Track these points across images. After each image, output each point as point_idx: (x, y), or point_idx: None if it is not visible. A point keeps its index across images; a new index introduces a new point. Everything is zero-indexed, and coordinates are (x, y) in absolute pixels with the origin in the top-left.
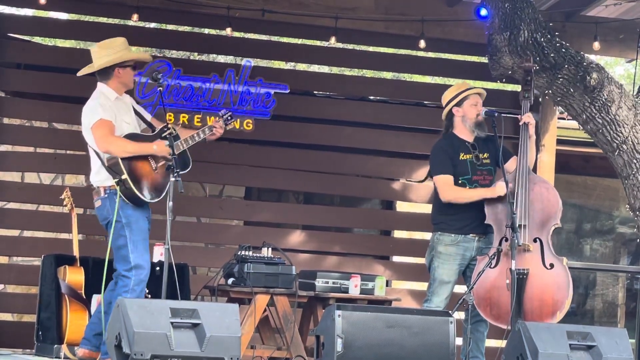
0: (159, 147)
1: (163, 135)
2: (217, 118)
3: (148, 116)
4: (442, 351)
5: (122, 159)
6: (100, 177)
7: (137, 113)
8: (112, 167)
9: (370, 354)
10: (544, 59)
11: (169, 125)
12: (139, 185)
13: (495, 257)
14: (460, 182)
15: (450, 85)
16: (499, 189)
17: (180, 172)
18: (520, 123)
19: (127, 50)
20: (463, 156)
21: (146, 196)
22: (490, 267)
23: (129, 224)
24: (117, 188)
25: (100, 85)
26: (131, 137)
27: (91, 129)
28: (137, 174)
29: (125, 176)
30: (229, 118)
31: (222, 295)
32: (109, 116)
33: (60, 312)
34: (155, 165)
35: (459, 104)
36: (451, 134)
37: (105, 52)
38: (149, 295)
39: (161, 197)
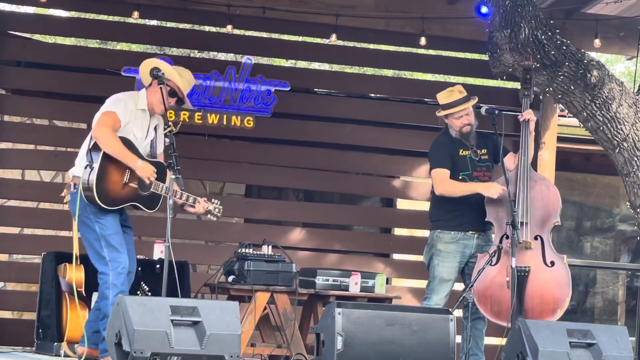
0: (143, 167)
1: (163, 133)
2: (208, 201)
3: (160, 147)
4: (442, 349)
5: (104, 153)
6: (79, 164)
7: (154, 138)
8: (92, 151)
9: (371, 351)
10: (545, 56)
11: (170, 124)
12: (100, 185)
13: (496, 255)
14: (460, 178)
15: (449, 84)
16: (494, 190)
17: (142, 207)
18: (521, 120)
19: (177, 74)
20: (462, 152)
21: (100, 199)
22: (491, 265)
23: (97, 219)
24: (82, 174)
25: (142, 91)
26: (131, 146)
27: (101, 113)
28: (106, 174)
29: (96, 165)
30: (216, 210)
31: (223, 292)
32: (123, 116)
33: (61, 310)
34: (126, 179)
35: (445, 116)
36: (449, 131)
37: (161, 66)
38: (149, 293)
39: (115, 208)
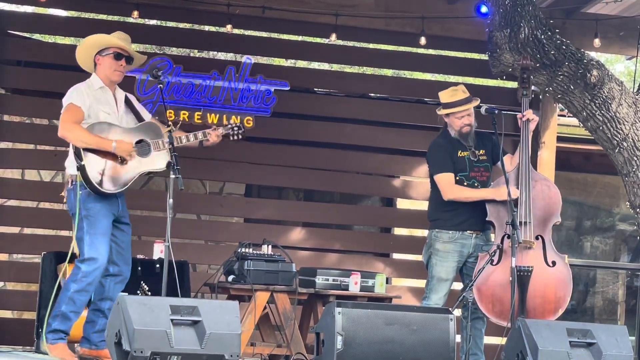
0: (119, 146)
1: (164, 131)
2: (219, 127)
3: (147, 115)
4: (442, 348)
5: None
6: (69, 162)
7: (133, 110)
8: (75, 152)
9: (370, 351)
10: (545, 56)
11: (170, 123)
12: (98, 175)
13: (497, 254)
14: (458, 178)
15: (449, 83)
16: (504, 193)
17: (153, 170)
18: (524, 119)
19: (111, 37)
20: (461, 153)
21: (104, 187)
22: (492, 264)
23: (88, 216)
24: (77, 175)
25: (92, 75)
26: (106, 126)
27: (61, 113)
28: (98, 163)
29: (83, 163)
30: (236, 129)
31: (222, 292)
32: (81, 102)
33: None
34: (120, 157)
35: (446, 115)
36: (447, 132)
37: (93, 42)
38: (149, 293)
39: (122, 189)
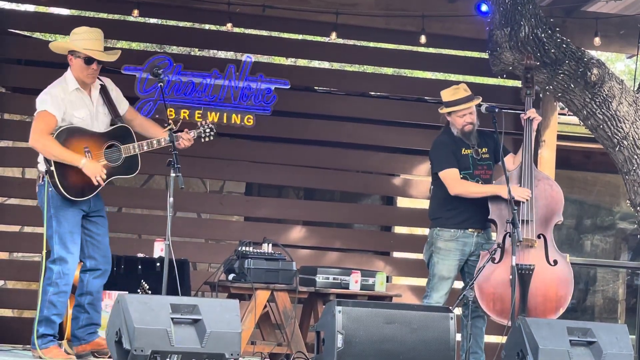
0: (88, 167)
1: (164, 130)
2: (190, 130)
3: (124, 106)
4: (442, 347)
5: None
6: (40, 158)
7: (109, 102)
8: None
9: (371, 349)
10: (545, 54)
11: (170, 122)
12: (65, 181)
13: (498, 253)
14: (462, 176)
15: (450, 82)
16: (518, 193)
17: (122, 177)
18: (525, 118)
19: (83, 41)
20: (464, 151)
21: (70, 194)
22: (494, 263)
23: (56, 215)
24: (46, 177)
25: (67, 71)
26: (76, 131)
27: (34, 119)
28: (66, 170)
29: (52, 167)
30: (207, 130)
31: (223, 291)
32: (55, 109)
33: None
34: None
35: (448, 113)
36: (450, 130)
37: (68, 37)
38: (149, 291)
39: (91, 196)
